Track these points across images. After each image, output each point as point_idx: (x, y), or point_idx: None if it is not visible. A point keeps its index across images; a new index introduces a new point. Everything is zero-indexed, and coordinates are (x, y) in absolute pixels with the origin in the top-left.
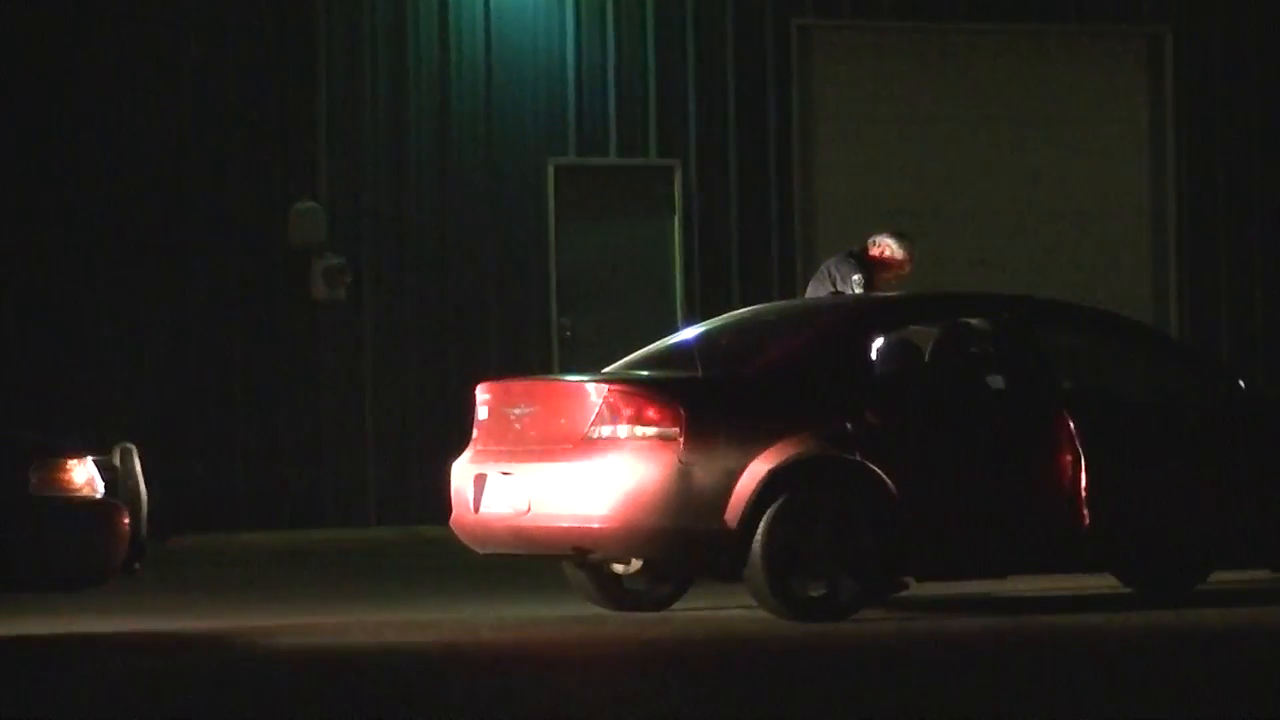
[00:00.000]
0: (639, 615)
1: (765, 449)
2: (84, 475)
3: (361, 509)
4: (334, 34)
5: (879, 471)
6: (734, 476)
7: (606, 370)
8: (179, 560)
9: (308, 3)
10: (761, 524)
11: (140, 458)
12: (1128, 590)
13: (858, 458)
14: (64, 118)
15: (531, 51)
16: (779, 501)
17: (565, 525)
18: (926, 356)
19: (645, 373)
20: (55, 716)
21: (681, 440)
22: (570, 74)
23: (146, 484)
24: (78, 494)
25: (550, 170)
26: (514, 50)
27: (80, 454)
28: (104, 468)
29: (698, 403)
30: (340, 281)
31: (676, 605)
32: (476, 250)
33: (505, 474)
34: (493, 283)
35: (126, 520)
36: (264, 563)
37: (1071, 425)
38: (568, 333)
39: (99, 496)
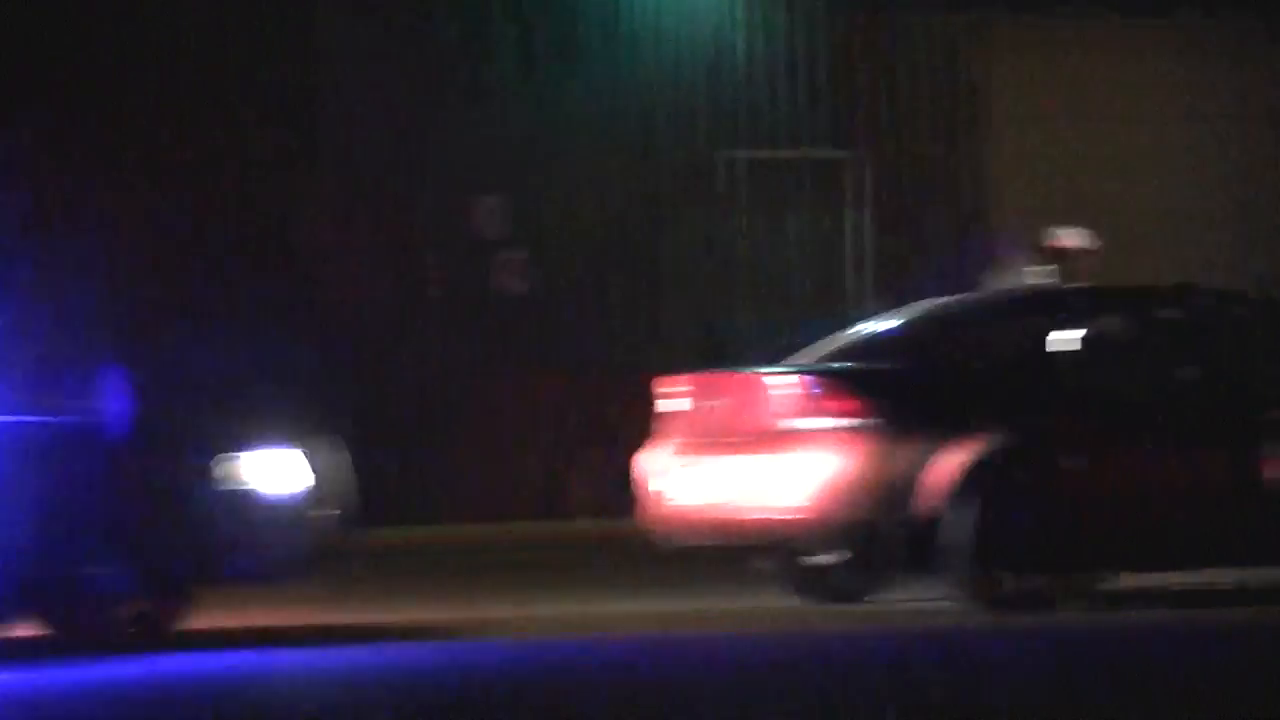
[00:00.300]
0: (835, 607)
1: (956, 441)
2: (288, 467)
3: (555, 503)
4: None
5: (1071, 463)
6: (929, 467)
7: (794, 362)
8: (378, 554)
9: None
10: (958, 515)
11: (344, 450)
12: None
13: (1052, 449)
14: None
15: (706, 45)
16: (971, 493)
17: (760, 517)
18: (1113, 348)
19: (839, 364)
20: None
21: (875, 431)
22: (742, 65)
23: (350, 476)
24: (282, 486)
25: (729, 163)
26: (685, 42)
27: (285, 446)
28: (309, 460)
29: (890, 394)
30: (523, 274)
31: (873, 597)
32: (662, 244)
33: (696, 467)
34: (665, 275)
35: (323, 513)
36: (459, 556)
37: (1265, 418)
38: (713, 333)
39: (304, 489)
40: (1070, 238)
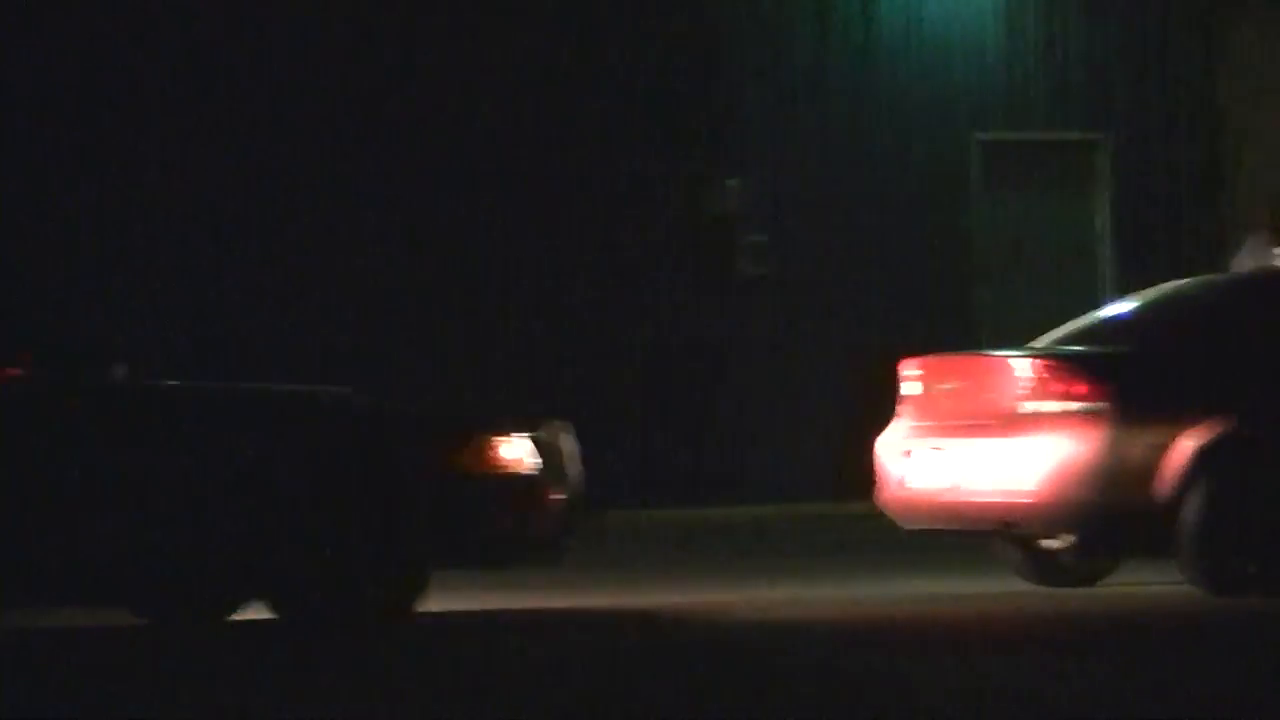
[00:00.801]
0: (1068, 591)
1: (1194, 425)
2: (517, 452)
3: (790, 485)
4: (758, 9)
5: None
6: (1163, 452)
7: (1034, 345)
8: (612, 537)
9: None
10: (1191, 500)
11: (573, 434)
12: None
13: None
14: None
15: (958, 22)
16: (1208, 477)
17: (994, 500)
18: None
19: (1073, 347)
20: (493, 687)
21: (1110, 415)
22: (995, 47)
23: (579, 461)
24: (511, 470)
25: (974, 143)
26: (939, 21)
27: (513, 430)
28: (538, 444)
29: (1126, 377)
30: (762, 257)
31: (1107, 580)
32: (899, 224)
33: (933, 449)
34: (915, 258)
35: (559, 497)
36: (698, 538)
37: None
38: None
39: (532, 473)
40: None
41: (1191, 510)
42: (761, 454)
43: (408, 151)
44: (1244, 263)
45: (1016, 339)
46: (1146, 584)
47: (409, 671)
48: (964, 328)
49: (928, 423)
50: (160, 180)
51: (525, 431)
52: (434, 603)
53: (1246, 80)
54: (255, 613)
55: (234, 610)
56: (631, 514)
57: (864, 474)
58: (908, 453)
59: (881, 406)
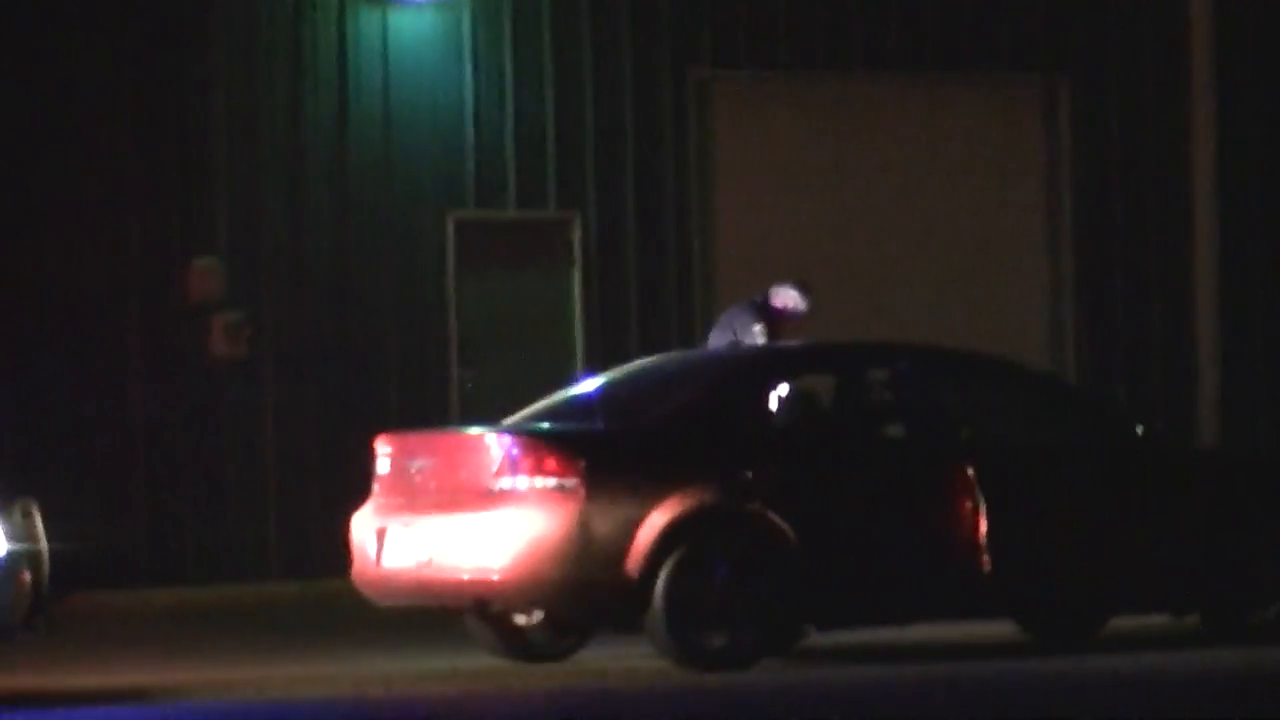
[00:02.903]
0: (540, 666)
1: (665, 499)
2: None
3: (263, 563)
4: (231, 88)
5: (779, 521)
6: (634, 527)
7: (507, 422)
8: (80, 617)
9: (202, 55)
10: (661, 574)
11: (40, 513)
12: (1028, 636)
13: (758, 507)
14: None
15: (430, 104)
16: (679, 552)
17: (466, 577)
18: (826, 406)
19: (545, 424)
20: None
21: (581, 491)
22: (468, 126)
23: (46, 540)
24: None
25: (449, 223)
26: (411, 102)
27: None
28: (4, 522)
29: (597, 454)
30: (241, 336)
31: (578, 656)
32: (376, 303)
33: (406, 526)
34: (393, 335)
35: (28, 576)
36: (167, 619)
37: (970, 473)
38: (469, 385)
39: (1, 551)
40: (785, 296)
41: (661, 584)
42: (236, 532)
43: None
44: (722, 338)
45: (495, 417)
46: (619, 659)
47: None
48: (442, 405)
49: (403, 499)
50: None
51: None
52: None
53: (727, 155)
54: None
55: None
56: (108, 594)
57: (340, 552)
58: (382, 530)
59: (360, 485)
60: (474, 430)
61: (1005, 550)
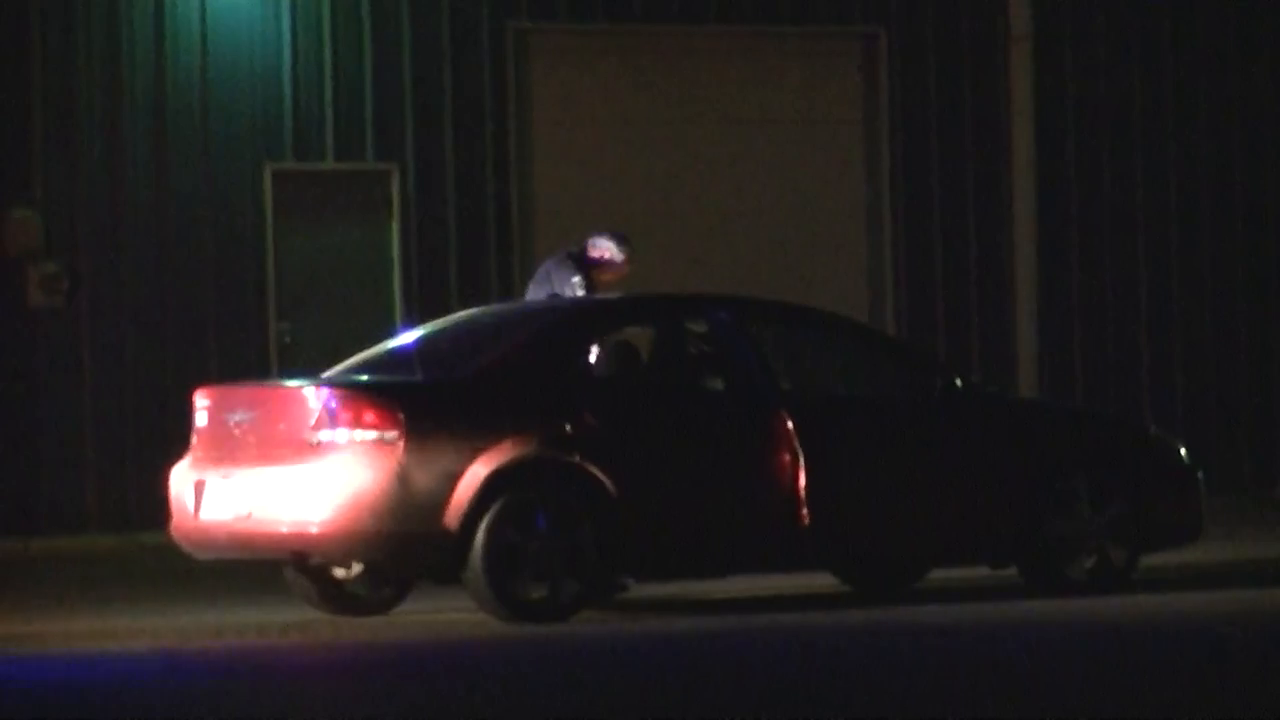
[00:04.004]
0: (360, 619)
1: (485, 451)
2: None
3: (80, 516)
4: (47, 39)
5: (598, 472)
6: (454, 479)
7: (326, 375)
8: None
9: (18, 4)
10: (481, 526)
11: None
12: (848, 588)
13: (577, 459)
14: None
15: (248, 55)
16: (498, 503)
17: (285, 530)
18: (645, 358)
19: (364, 376)
20: None
21: (401, 443)
22: (286, 78)
23: None
24: None
25: (267, 174)
26: (230, 54)
27: None
28: None
29: (417, 406)
30: (58, 288)
31: (398, 609)
32: (194, 255)
33: (225, 479)
34: (211, 288)
35: None
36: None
37: (790, 424)
38: (287, 338)
39: None
40: (602, 247)
41: (480, 536)
42: (53, 485)
43: None
44: (540, 290)
45: (314, 369)
46: (438, 612)
47: None
48: (262, 358)
49: (221, 452)
50: None
51: None
52: None
53: (547, 106)
54: None
55: None
56: None
57: (158, 505)
58: (200, 483)
59: (178, 437)
60: (292, 383)
61: (824, 503)
